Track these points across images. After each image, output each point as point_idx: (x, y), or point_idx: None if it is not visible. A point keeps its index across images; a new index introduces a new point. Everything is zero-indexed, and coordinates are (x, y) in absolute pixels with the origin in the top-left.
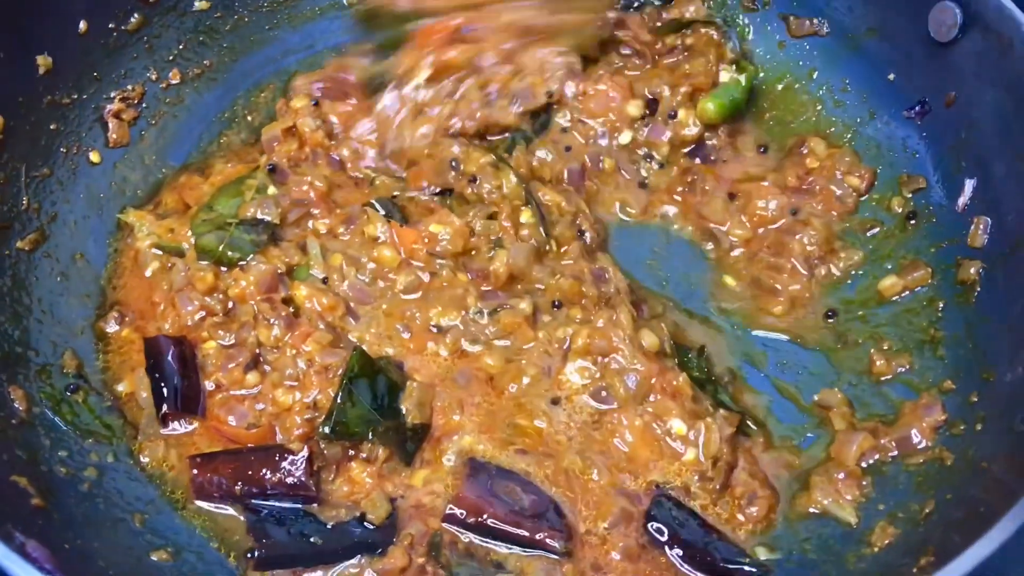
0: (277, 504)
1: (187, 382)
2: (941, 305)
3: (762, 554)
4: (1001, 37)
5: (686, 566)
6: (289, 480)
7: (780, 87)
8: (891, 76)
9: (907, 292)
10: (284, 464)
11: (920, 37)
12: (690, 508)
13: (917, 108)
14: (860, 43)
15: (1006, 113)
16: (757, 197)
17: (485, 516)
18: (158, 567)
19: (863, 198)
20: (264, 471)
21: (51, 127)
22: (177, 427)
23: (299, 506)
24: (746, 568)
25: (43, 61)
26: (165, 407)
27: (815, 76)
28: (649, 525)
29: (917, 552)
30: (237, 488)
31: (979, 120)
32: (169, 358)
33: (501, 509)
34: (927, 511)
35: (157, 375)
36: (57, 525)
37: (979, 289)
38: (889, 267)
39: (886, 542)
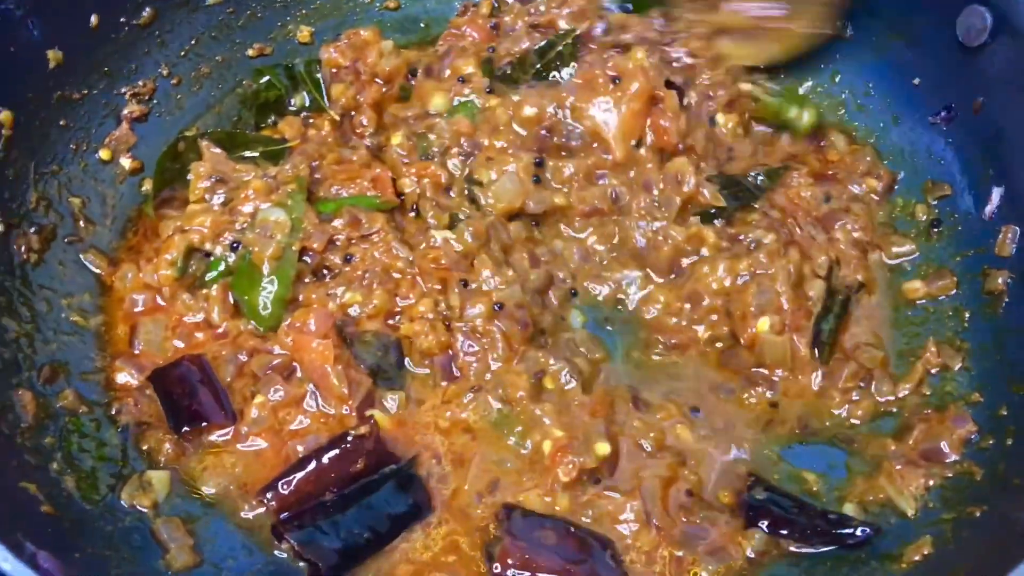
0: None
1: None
2: (967, 315)
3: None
4: None
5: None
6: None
7: (801, 91)
8: (916, 81)
9: (930, 299)
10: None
11: (947, 41)
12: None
13: (943, 114)
14: (885, 47)
15: None
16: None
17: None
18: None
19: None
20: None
21: (61, 123)
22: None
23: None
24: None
25: (53, 56)
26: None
27: (838, 79)
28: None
29: (949, 571)
30: (328, 498)
31: (1008, 127)
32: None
33: (547, 560)
34: (957, 528)
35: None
36: (67, 533)
37: (1007, 299)
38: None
39: (915, 558)
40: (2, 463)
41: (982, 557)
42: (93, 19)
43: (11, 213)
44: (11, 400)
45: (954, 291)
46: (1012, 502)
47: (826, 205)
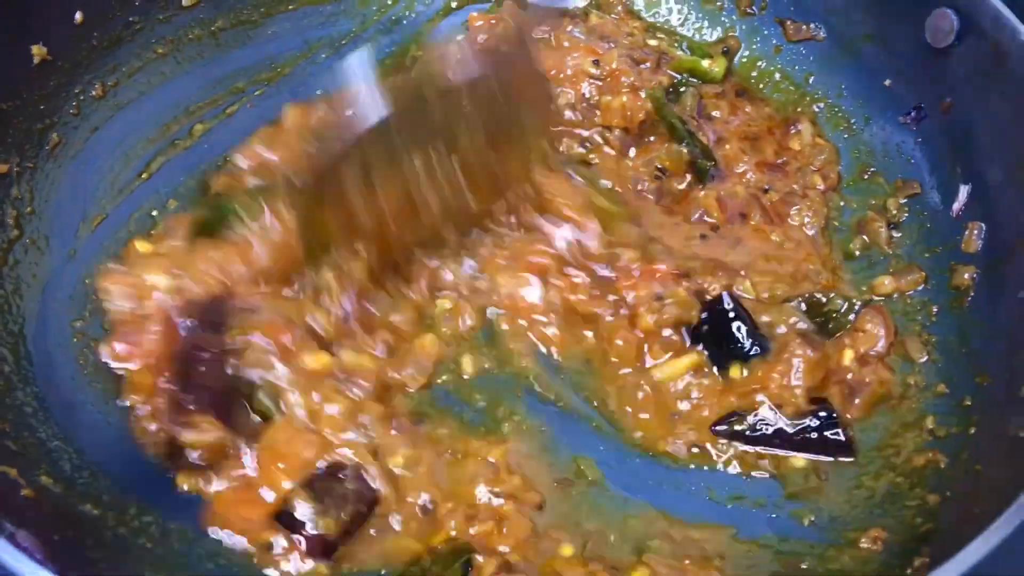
0: None
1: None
2: (935, 309)
3: None
4: (998, 44)
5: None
6: None
7: (776, 93)
8: (887, 82)
9: (899, 294)
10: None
11: (917, 43)
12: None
13: (913, 114)
14: (857, 49)
15: (1002, 119)
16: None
17: None
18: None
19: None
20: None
21: (43, 118)
22: None
23: None
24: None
25: (38, 51)
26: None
27: (811, 81)
28: None
29: (912, 552)
30: None
31: (975, 126)
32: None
33: None
34: (921, 513)
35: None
36: (46, 517)
37: (972, 294)
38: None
39: (874, 547)
40: None
41: (943, 537)
42: (78, 16)
43: None
44: None
45: (922, 286)
46: (973, 486)
47: (764, 195)
